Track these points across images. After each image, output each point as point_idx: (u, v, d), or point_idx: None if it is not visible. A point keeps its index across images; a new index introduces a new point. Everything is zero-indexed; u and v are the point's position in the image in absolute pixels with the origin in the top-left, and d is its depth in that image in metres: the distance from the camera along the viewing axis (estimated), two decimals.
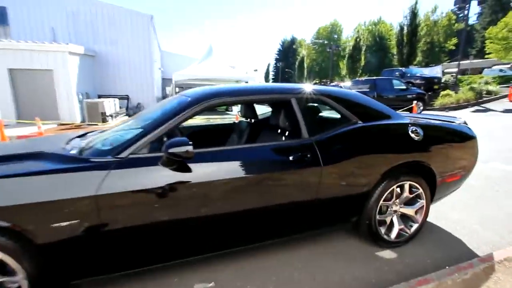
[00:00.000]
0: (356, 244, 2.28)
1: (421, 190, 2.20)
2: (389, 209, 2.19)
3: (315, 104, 3.12)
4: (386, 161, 2.02)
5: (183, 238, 1.68)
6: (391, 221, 2.21)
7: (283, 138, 2.10)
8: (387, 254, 2.17)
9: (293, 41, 60.39)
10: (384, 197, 2.08)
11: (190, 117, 1.69)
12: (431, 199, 2.30)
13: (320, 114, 3.07)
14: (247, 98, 1.98)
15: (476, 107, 11.88)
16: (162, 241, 1.63)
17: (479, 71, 27.53)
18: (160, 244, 1.63)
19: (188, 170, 1.57)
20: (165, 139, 1.82)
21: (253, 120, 2.76)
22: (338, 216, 2.10)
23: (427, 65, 27.04)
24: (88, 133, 2.31)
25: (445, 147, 2.28)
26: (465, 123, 2.57)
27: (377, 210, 2.09)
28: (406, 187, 2.16)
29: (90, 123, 10.69)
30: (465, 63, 25.61)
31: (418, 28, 23.93)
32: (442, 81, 16.72)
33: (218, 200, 1.67)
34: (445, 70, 24.77)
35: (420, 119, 2.53)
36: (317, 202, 1.91)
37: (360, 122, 2.08)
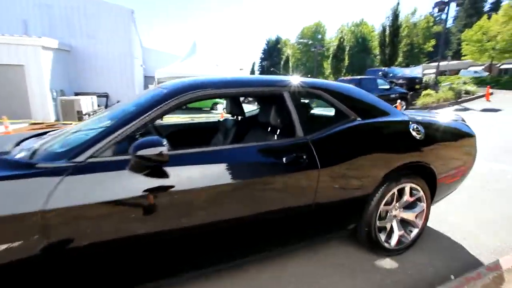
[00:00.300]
0: (354, 252, 2.09)
1: (422, 193, 2.05)
2: (388, 214, 2.02)
3: (306, 100, 2.92)
4: (388, 162, 1.84)
5: (158, 259, 1.41)
6: (391, 227, 2.04)
7: (275, 137, 1.87)
8: (388, 263, 1.99)
9: (278, 40, 60.56)
10: (384, 201, 1.91)
11: (166, 112, 1.41)
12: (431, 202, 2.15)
13: (312, 111, 2.88)
14: (234, 90, 1.72)
15: (456, 106, 12.20)
16: (131, 263, 1.36)
17: (455, 72, 28.64)
18: (129, 267, 1.36)
19: (164, 175, 1.30)
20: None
21: (240, 118, 2.52)
22: (335, 224, 1.90)
23: (407, 65, 27.82)
24: (47, 132, 1.98)
25: (446, 146, 2.14)
26: (462, 120, 2.45)
27: (377, 216, 1.91)
28: (407, 190, 2.00)
29: (65, 122, 10.04)
30: (443, 64, 26.56)
31: (399, 29, 24.52)
32: (423, 81, 17.16)
33: (200, 211, 1.42)
34: (424, 71, 25.55)
35: (417, 116, 2.38)
36: (313, 210, 1.70)
37: (359, 119, 1.88)
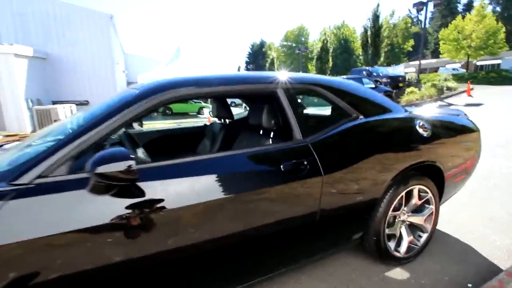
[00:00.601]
0: (360, 264, 1.89)
1: (430, 195, 1.88)
2: (396, 220, 1.84)
3: (298, 100, 2.73)
4: (397, 162, 1.67)
5: None
6: (400, 234, 1.87)
7: (269, 141, 1.65)
8: (399, 274, 1.81)
9: (262, 44, 60.79)
10: (392, 206, 1.72)
11: (138, 116, 1.16)
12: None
13: (305, 111, 2.69)
14: (219, 89, 1.47)
15: (440, 103, 12.44)
16: None
17: (435, 70, 29.61)
18: None
19: (136, 195, 1.05)
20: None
21: (228, 121, 2.29)
22: (341, 235, 1.70)
23: (388, 65, 28.49)
24: (2, 145, 1.68)
25: (453, 142, 2.00)
26: (465, 115, 2.33)
27: (386, 223, 1.72)
28: (415, 192, 1.83)
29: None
30: (423, 62, 27.43)
31: (381, 29, 25.13)
32: (406, 79, 17.54)
33: (184, 234, 1.18)
34: (405, 70, 26.25)
35: (417, 111, 2.23)
36: (316, 223, 1.49)
37: (361, 117, 1.70)
